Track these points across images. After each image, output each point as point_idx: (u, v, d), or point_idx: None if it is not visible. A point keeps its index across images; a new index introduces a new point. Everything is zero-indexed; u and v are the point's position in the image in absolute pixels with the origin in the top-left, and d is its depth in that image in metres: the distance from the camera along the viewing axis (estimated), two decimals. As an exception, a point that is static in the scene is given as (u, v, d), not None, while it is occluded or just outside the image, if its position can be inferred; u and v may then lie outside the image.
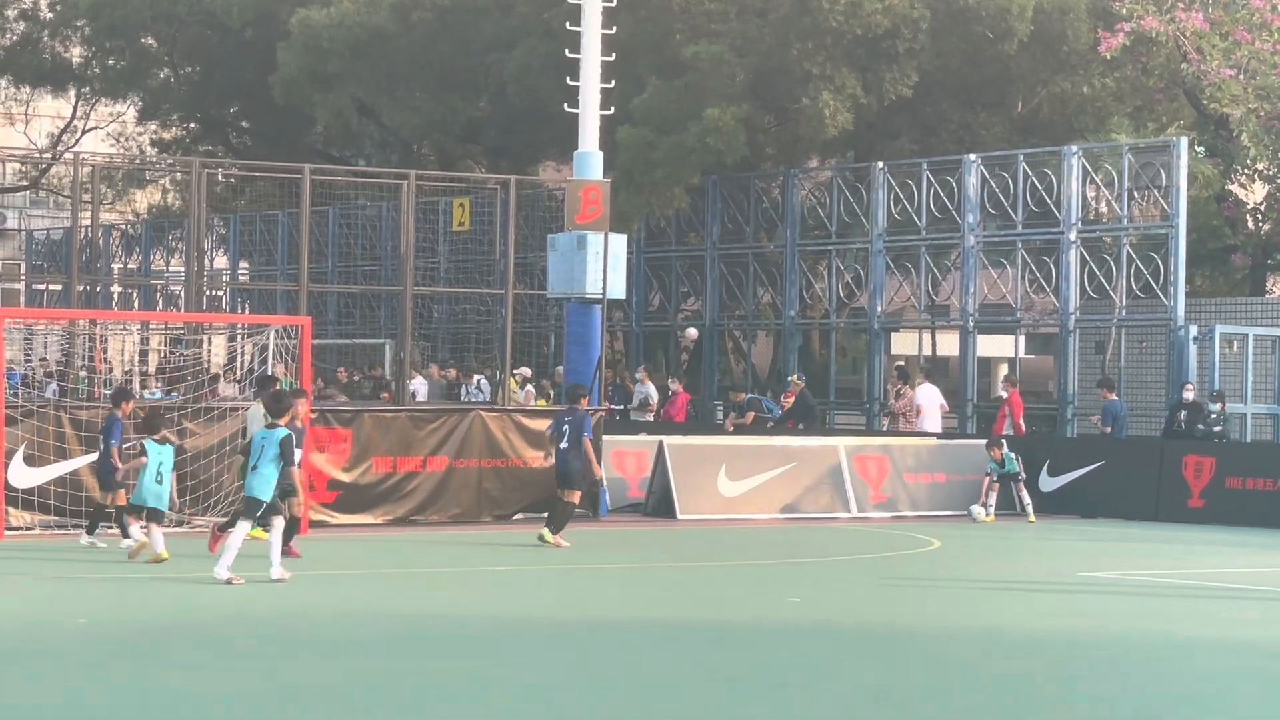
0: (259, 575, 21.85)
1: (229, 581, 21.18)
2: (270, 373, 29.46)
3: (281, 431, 22.04)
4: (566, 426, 27.16)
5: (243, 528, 21.87)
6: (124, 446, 25.97)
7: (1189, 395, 35.69)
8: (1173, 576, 24.66)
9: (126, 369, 40.35)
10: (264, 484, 21.81)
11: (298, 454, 23.31)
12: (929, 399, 38.72)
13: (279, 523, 22.13)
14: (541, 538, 26.66)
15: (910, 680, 16.38)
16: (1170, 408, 36.14)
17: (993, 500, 33.46)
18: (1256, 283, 45.42)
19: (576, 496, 27.31)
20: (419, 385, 39.56)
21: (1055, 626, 19.86)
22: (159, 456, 24.03)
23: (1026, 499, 33.65)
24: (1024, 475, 33.93)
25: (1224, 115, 43.08)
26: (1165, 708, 15.09)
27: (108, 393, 31.16)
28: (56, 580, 22.37)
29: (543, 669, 16.58)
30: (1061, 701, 15.26)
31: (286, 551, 23.61)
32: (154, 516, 23.87)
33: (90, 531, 25.74)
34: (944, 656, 17.74)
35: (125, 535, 25.05)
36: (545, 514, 30.95)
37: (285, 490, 23.08)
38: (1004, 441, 34.30)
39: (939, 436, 37.06)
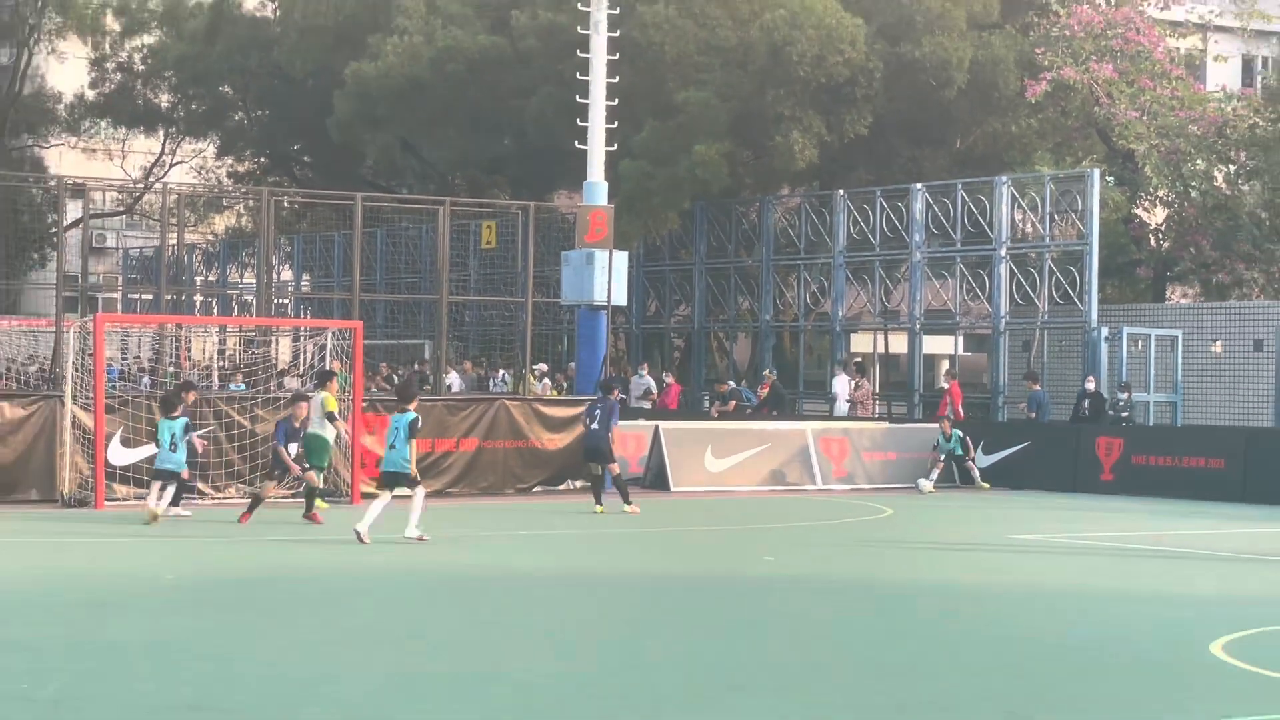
0: (284, 538, 21.84)
1: (362, 539, 21.72)
2: (328, 367, 29.45)
3: (410, 415, 22.28)
4: (599, 412, 27.13)
5: (385, 496, 22.26)
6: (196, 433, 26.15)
7: (1090, 386, 35.89)
8: (1087, 538, 24.67)
9: (206, 365, 40.34)
10: (400, 459, 22.06)
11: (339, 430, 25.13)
12: (840, 387, 38.92)
13: (420, 491, 22.43)
14: (622, 510, 26.59)
15: (868, 626, 16.40)
16: (1077, 397, 36.23)
17: (935, 475, 33.23)
18: (1157, 292, 45.42)
19: (615, 468, 27.24)
20: (454, 379, 39.57)
21: (989, 579, 19.88)
22: (169, 428, 24.45)
23: (975, 472, 33.80)
24: (971, 456, 33.97)
25: (1130, 150, 43.10)
26: (1078, 643, 15.10)
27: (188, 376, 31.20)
28: (148, 543, 22.36)
29: (555, 613, 16.59)
30: (995, 639, 15.28)
31: (311, 519, 24.45)
32: (163, 477, 24.57)
33: (175, 503, 25.66)
34: (897, 605, 17.75)
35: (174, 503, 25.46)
36: (559, 486, 31.12)
37: (313, 464, 24.81)
38: (952, 419, 34.43)
39: (890, 422, 37.08)
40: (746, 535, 25.39)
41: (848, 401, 39.22)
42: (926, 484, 33.17)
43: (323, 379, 26.31)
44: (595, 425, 27.18)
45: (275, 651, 14.08)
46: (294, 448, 24.94)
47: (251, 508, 24.46)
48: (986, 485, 33.66)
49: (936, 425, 34.15)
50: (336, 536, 22.41)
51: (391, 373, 42.88)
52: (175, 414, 24.75)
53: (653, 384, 40.55)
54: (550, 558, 21.63)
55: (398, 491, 22.18)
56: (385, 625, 15.74)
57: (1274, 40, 54.28)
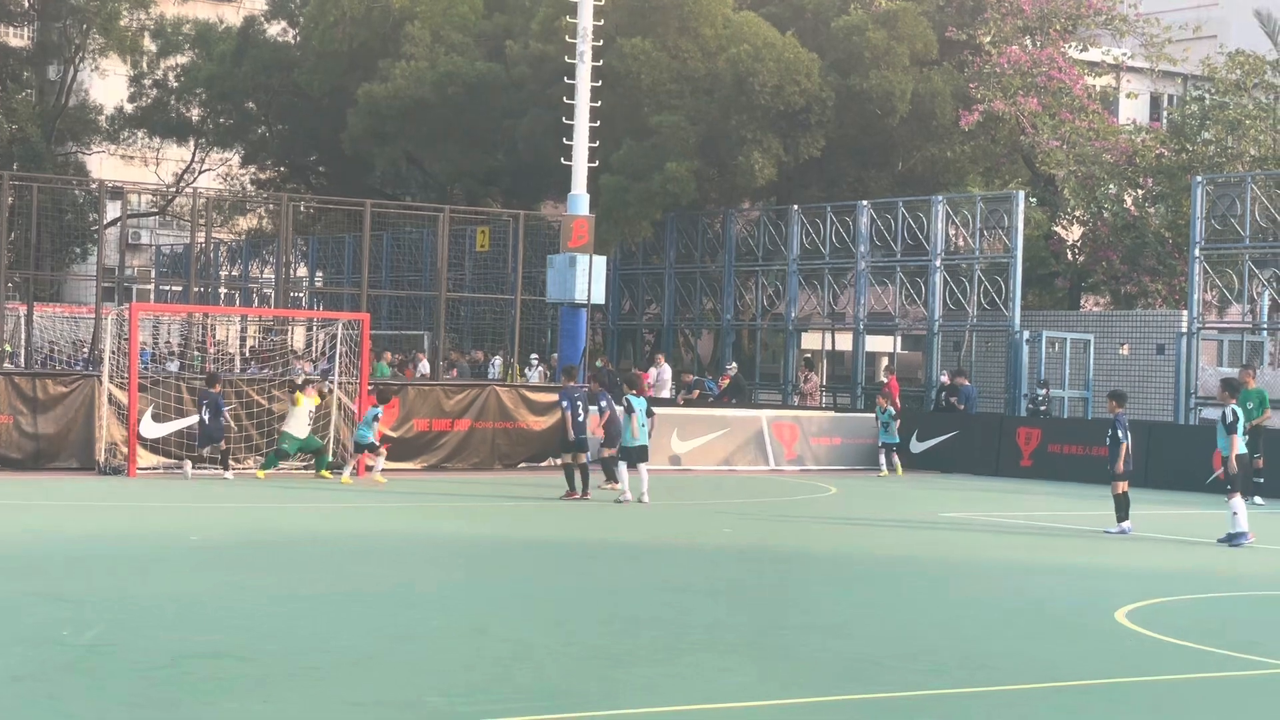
0: (300, 504, 21.81)
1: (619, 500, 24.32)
2: (336, 355, 29.38)
3: (644, 400, 24.97)
4: (605, 402, 26.83)
5: (643, 468, 24.58)
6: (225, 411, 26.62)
7: (945, 379, 36.20)
8: (1007, 517, 24.75)
9: (229, 351, 40.24)
10: (641, 434, 24.46)
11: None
12: (661, 376, 38.35)
13: (644, 467, 24.60)
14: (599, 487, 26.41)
15: (813, 591, 16.44)
16: (935, 389, 36.71)
17: (887, 461, 33.00)
18: (1073, 300, 45.55)
19: (608, 451, 26.96)
20: (464, 367, 39.85)
21: (921, 551, 19.93)
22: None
23: (896, 461, 33.16)
24: (898, 441, 33.46)
25: (1051, 175, 43.24)
26: (999, 608, 15.17)
27: (214, 368, 31.17)
28: (176, 507, 22.33)
29: (538, 576, 16.61)
30: (925, 603, 15.33)
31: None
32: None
33: (225, 467, 26.84)
34: (838, 573, 17.81)
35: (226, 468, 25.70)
36: (542, 463, 31.11)
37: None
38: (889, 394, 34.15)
39: (836, 410, 37.11)
40: (707, 510, 25.42)
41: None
42: (881, 462, 33.10)
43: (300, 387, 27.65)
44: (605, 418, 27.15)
45: (287, 606, 14.07)
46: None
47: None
48: (900, 474, 32.95)
49: (875, 413, 33.80)
50: (343, 504, 22.39)
51: (396, 360, 42.81)
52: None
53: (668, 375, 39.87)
54: (530, 527, 21.64)
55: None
56: (388, 584, 15.74)
57: (1178, 80, 54.43)
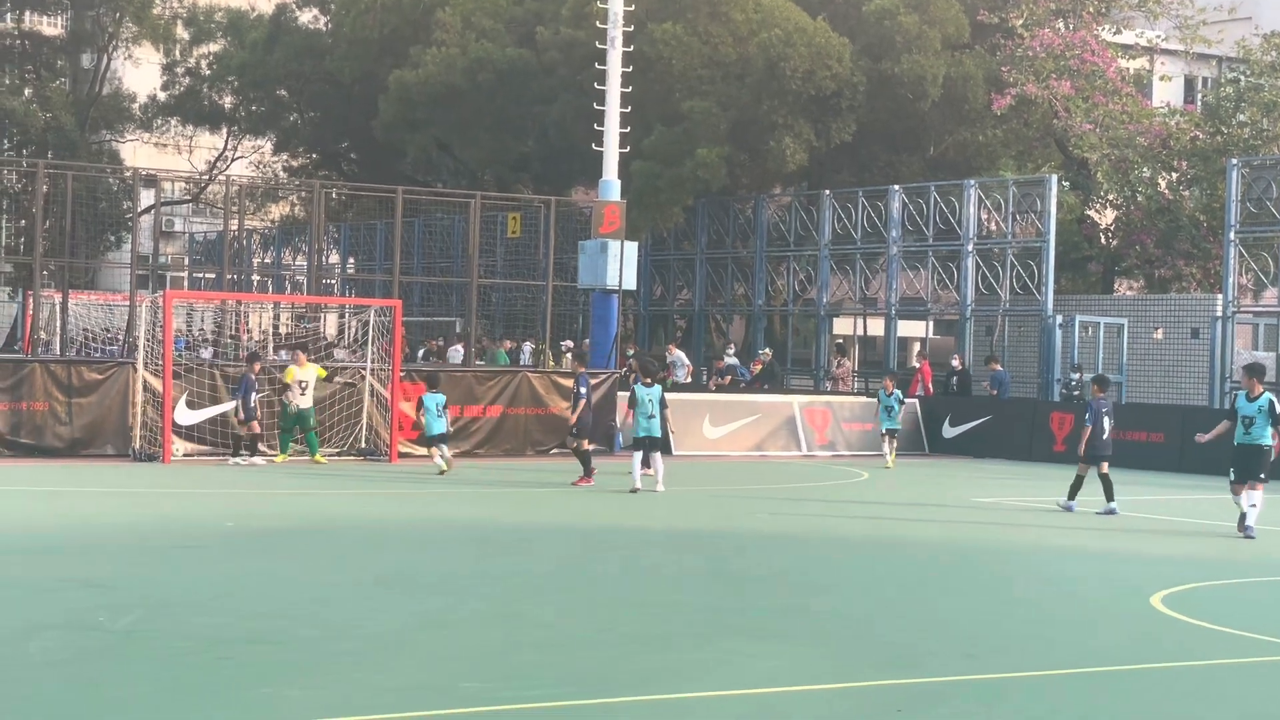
0: (333, 491, 21.85)
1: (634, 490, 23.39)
2: (369, 340, 29.44)
3: (658, 389, 24.05)
4: (584, 389, 26.79)
5: (657, 457, 24.01)
6: (256, 396, 26.59)
7: (956, 364, 36.15)
8: (1039, 502, 24.67)
9: (262, 337, 40.35)
10: (658, 427, 23.96)
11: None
12: (679, 359, 38.76)
13: (658, 458, 24.06)
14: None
15: (843, 576, 16.42)
16: (946, 374, 36.69)
17: (889, 448, 30.91)
18: (1107, 284, 45.37)
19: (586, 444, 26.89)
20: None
21: (953, 536, 19.90)
22: (434, 400, 26.55)
23: (891, 449, 30.86)
24: (899, 428, 31.32)
25: (1084, 159, 43.05)
26: (1031, 594, 15.13)
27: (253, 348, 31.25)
28: (211, 493, 22.41)
29: (572, 561, 16.63)
30: (957, 589, 15.30)
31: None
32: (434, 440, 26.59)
33: (252, 454, 26.90)
34: (873, 557, 17.78)
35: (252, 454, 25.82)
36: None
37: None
38: (895, 375, 32.50)
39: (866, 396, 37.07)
40: (740, 495, 25.40)
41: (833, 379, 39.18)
42: (884, 450, 31.09)
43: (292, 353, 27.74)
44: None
45: (321, 592, 14.11)
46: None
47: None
48: (890, 465, 30.62)
49: (914, 399, 32.71)
50: (376, 490, 22.44)
51: (434, 347, 42.89)
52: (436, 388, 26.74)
53: (684, 358, 40.15)
54: (565, 513, 21.66)
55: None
56: (419, 570, 15.77)
57: (1213, 62, 54.14)
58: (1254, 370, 20.87)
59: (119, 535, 17.71)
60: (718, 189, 42.71)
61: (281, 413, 27.38)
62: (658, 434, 24.12)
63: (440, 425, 26.22)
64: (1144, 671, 11.67)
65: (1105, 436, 22.77)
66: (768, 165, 42.45)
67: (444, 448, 26.12)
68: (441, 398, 26.52)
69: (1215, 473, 29.80)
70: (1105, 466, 22.72)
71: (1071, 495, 22.93)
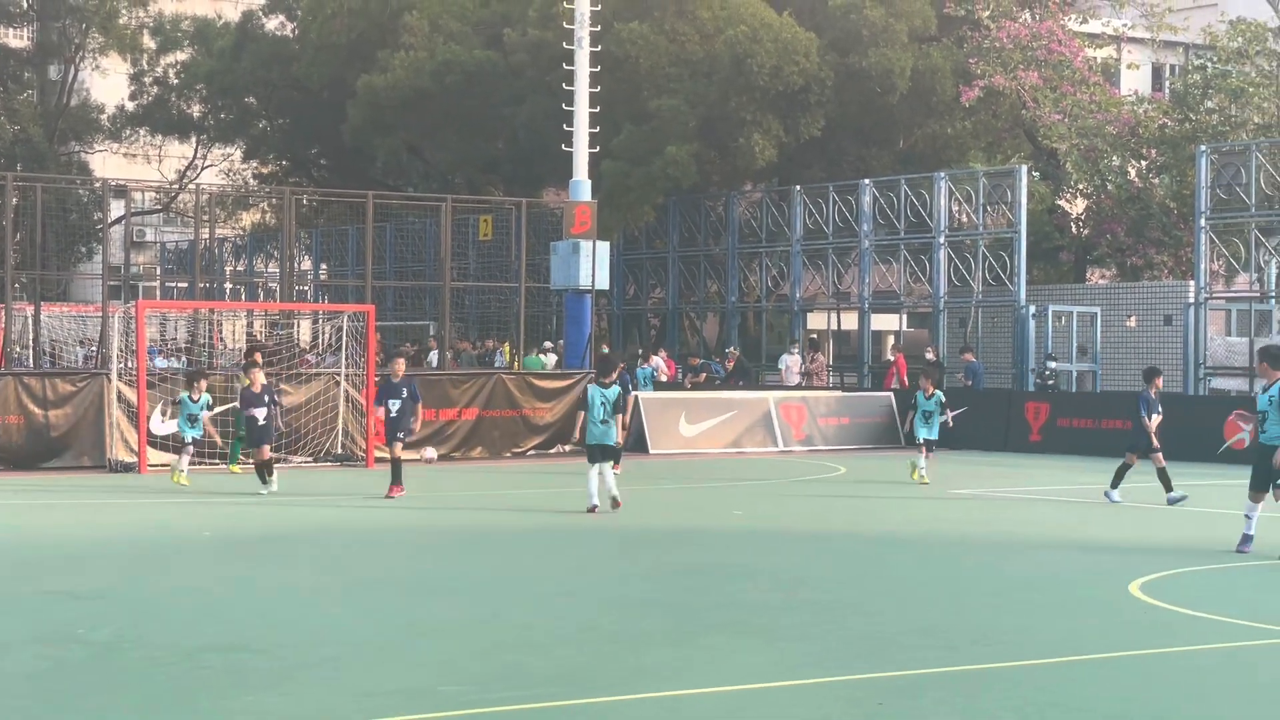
0: (308, 499, 21.82)
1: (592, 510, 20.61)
2: (342, 346, 29.37)
3: (614, 389, 20.70)
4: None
5: (608, 469, 20.84)
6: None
7: (930, 356, 36.26)
8: (1017, 492, 24.76)
9: (236, 345, 40.26)
10: (609, 433, 20.59)
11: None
12: (789, 363, 38.94)
13: (608, 469, 20.94)
14: None
15: (824, 569, 16.45)
16: (922, 367, 36.78)
17: (924, 461, 26.11)
18: (1078, 274, 45.51)
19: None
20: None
21: (932, 528, 19.95)
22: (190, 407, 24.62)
23: (922, 463, 26.07)
24: (948, 415, 27.16)
25: (1054, 149, 43.18)
26: (1010, 583, 15.18)
27: (224, 364, 31.15)
28: (187, 503, 22.34)
29: (552, 561, 16.62)
30: (936, 580, 15.35)
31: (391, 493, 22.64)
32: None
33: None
34: (851, 551, 17.82)
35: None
36: (551, 450, 31.17)
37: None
38: (933, 374, 27.84)
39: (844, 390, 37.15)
40: (717, 492, 25.43)
41: (799, 373, 39.14)
42: (921, 465, 26.12)
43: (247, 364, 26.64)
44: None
45: (299, 599, 14.09)
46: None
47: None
48: (924, 479, 25.79)
49: (920, 380, 27.40)
50: (354, 497, 22.40)
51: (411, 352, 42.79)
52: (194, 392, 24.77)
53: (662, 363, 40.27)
54: (541, 514, 21.64)
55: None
56: (400, 574, 15.76)
57: (1180, 49, 54.34)
58: (1268, 354, 17.58)
59: (96, 546, 17.66)
60: (688, 187, 42.76)
61: (237, 420, 26.76)
62: (611, 441, 20.71)
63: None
64: (1122, 659, 11.71)
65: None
66: (738, 162, 42.49)
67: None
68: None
69: (1191, 459, 30.00)
70: (1134, 458, 22.48)
71: (1169, 488, 22.35)
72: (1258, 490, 17.37)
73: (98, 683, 10.66)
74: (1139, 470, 22.64)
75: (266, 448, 23.47)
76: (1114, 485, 22.81)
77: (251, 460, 24.16)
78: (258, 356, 25.90)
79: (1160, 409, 22.59)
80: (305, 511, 21.49)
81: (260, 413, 23.22)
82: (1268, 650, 12.21)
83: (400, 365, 23.24)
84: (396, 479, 22.63)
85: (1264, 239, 36.03)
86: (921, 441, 26.02)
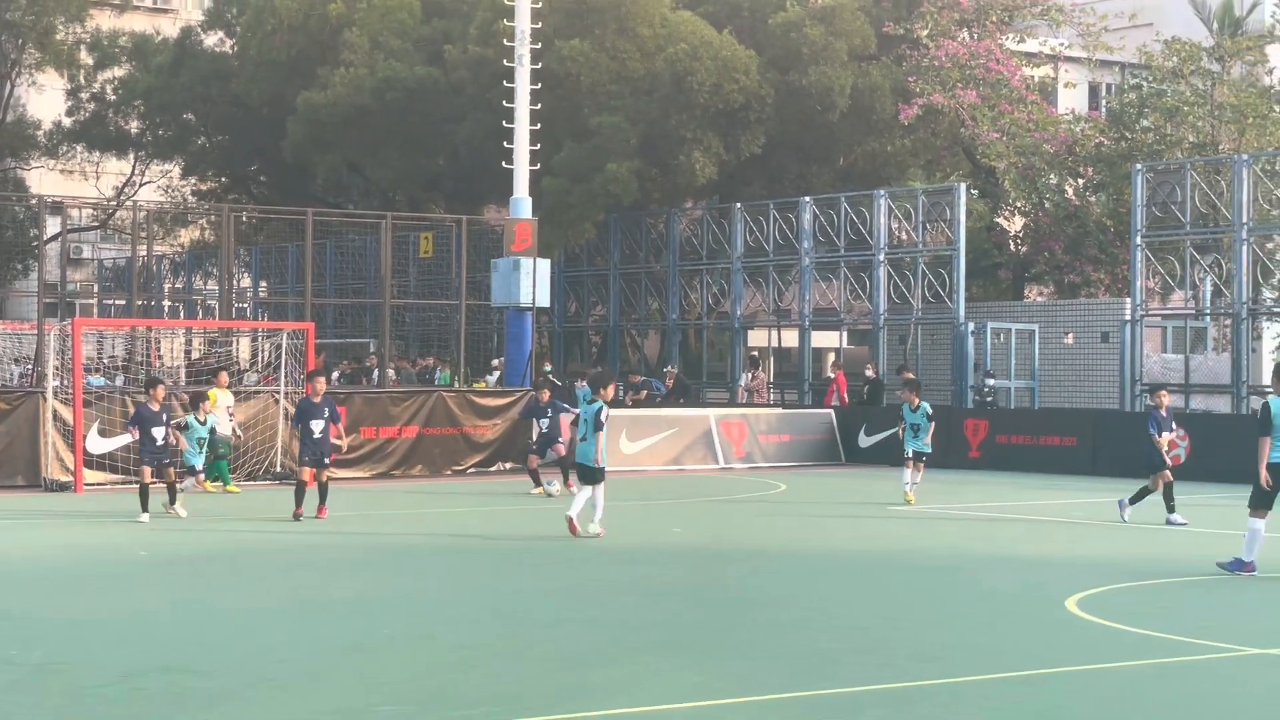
0: (244, 519, 21.73)
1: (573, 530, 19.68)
2: (281, 363, 29.24)
3: (597, 405, 19.76)
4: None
5: (585, 491, 19.79)
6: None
7: (870, 373, 36.53)
8: (956, 508, 24.87)
9: (175, 363, 40.01)
10: (588, 451, 19.72)
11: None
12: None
13: (601, 487, 19.89)
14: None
15: (764, 589, 16.47)
16: (860, 385, 37.13)
17: (911, 477, 25.51)
18: (1017, 291, 45.80)
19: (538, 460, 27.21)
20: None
21: (871, 545, 20.01)
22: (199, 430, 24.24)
23: (914, 480, 25.50)
24: (930, 451, 25.98)
25: (992, 167, 43.48)
26: (950, 600, 15.25)
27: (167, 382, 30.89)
28: (124, 523, 22.16)
29: (488, 580, 16.58)
30: (875, 597, 15.40)
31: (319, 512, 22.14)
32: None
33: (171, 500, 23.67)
34: (791, 568, 17.85)
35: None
36: (491, 468, 31.11)
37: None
38: (918, 386, 26.79)
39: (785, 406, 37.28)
40: (657, 509, 25.44)
41: (746, 390, 39.39)
42: (906, 482, 25.49)
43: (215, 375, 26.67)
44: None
45: (239, 619, 14.02)
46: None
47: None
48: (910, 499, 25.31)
49: (905, 392, 26.47)
50: (289, 514, 22.26)
51: (346, 370, 42.58)
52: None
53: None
54: (481, 532, 21.60)
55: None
56: (339, 594, 15.69)
57: (1116, 69, 54.84)
58: None
59: (30, 566, 17.51)
60: (629, 204, 42.79)
61: (209, 440, 26.55)
62: (587, 461, 19.95)
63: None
64: (1059, 675, 11.78)
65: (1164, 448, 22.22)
66: (678, 179, 42.56)
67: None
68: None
69: (1127, 475, 30.20)
70: (1166, 477, 22.20)
71: (1171, 509, 22.18)
72: (1260, 508, 16.75)
73: (30, 705, 10.56)
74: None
75: (149, 469, 22.17)
76: (1132, 501, 22.59)
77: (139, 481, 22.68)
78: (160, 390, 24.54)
79: (1174, 425, 22.36)
80: (243, 531, 21.36)
81: (159, 432, 22.22)
82: (1201, 665, 12.32)
83: (321, 384, 22.48)
84: (321, 499, 22.12)
85: (1198, 256, 36.38)
86: (910, 455, 25.31)
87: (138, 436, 22.29)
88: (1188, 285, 36.35)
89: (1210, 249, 37.50)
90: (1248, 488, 17.10)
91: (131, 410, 24.43)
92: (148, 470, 22.16)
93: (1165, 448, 22.27)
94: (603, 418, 19.73)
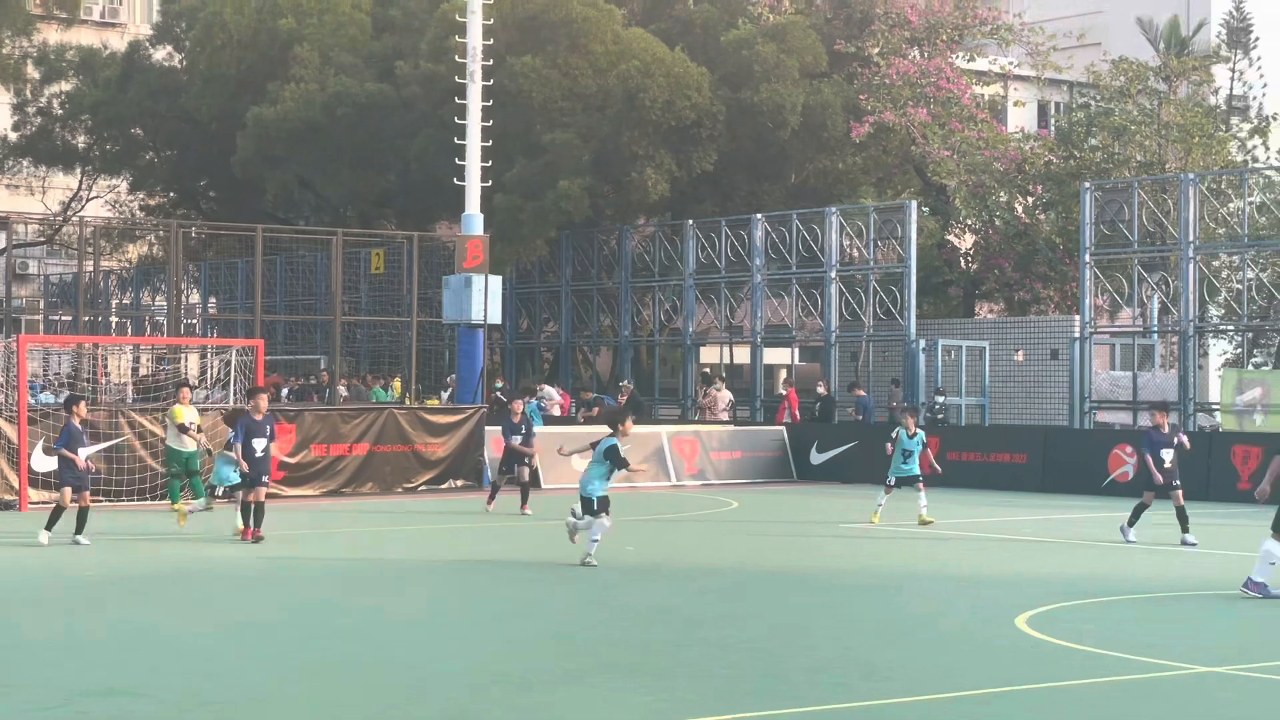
0: (192, 539, 21.58)
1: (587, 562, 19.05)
2: (230, 381, 29.07)
3: (607, 442, 19.36)
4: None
5: (601, 523, 19.15)
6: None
7: (821, 390, 36.67)
8: (906, 526, 24.88)
9: (122, 380, 39.74)
10: (586, 484, 19.41)
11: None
12: (549, 394, 39.61)
13: (605, 520, 19.23)
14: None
15: (714, 606, 16.44)
16: (812, 402, 37.25)
17: (885, 499, 25.23)
18: (967, 308, 46.01)
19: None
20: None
21: (823, 564, 20.00)
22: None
23: (924, 499, 24.98)
24: (919, 475, 25.18)
25: (942, 184, 43.71)
26: (901, 618, 15.25)
27: (109, 399, 30.67)
28: (69, 543, 21.93)
29: (440, 600, 16.51)
30: (828, 616, 15.39)
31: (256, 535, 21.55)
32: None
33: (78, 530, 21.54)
34: (742, 587, 17.82)
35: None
36: (443, 485, 30.99)
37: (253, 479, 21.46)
38: (917, 412, 27.20)
39: (737, 424, 37.30)
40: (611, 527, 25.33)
41: (724, 409, 39.06)
42: (881, 504, 25.35)
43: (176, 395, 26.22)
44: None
45: (184, 640, 13.89)
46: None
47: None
48: (928, 520, 24.76)
49: (900, 417, 26.62)
50: (234, 537, 22.10)
51: (295, 385, 42.37)
52: None
53: (555, 394, 40.51)
54: (433, 551, 21.51)
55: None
56: (287, 615, 15.58)
57: (1065, 88, 55.20)
58: None
59: (-26, 588, 17.31)
60: (581, 221, 42.80)
61: (168, 457, 26.17)
62: (589, 494, 19.38)
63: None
64: (1007, 694, 11.79)
65: (1165, 465, 21.59)
66: (630, 196, 42.60)
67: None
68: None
69: (1077, 492, 30.34)
70: (1177, 495, 21.58)
71: (1185, 528, 21.55)
72: None
73: (-27, 729, 10.44)
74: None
75: (68, 491, 20.83)
76: (1130, 523, 22.23)
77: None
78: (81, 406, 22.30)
79: (1178, 441, 21.77)
80: (191, 551, 21.19)
81: (85, 453, 20.99)
82: (1148, 684, 12.35)
83: (263, 401, 21.88)
84: (257, 522, 21.55)
85: (1146, 274, 36.62)
86: (891, 481, 24.90)
87: (72, 456, 20.75)
88: (1136, 303, 36.58)
89: (1158, 267, 37.76)
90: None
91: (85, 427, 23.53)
92: (68, 492, 20.83)
93: (1166, 464, 21.56)
94: (622, 454, 19.25)
